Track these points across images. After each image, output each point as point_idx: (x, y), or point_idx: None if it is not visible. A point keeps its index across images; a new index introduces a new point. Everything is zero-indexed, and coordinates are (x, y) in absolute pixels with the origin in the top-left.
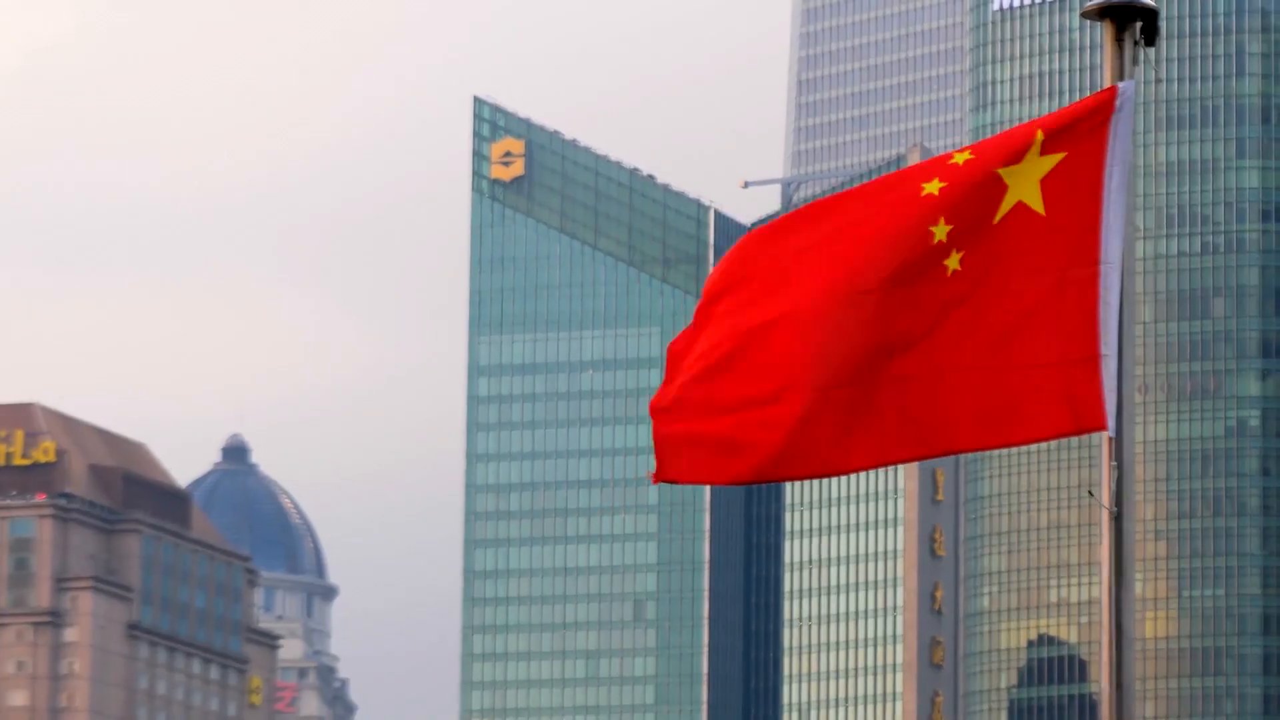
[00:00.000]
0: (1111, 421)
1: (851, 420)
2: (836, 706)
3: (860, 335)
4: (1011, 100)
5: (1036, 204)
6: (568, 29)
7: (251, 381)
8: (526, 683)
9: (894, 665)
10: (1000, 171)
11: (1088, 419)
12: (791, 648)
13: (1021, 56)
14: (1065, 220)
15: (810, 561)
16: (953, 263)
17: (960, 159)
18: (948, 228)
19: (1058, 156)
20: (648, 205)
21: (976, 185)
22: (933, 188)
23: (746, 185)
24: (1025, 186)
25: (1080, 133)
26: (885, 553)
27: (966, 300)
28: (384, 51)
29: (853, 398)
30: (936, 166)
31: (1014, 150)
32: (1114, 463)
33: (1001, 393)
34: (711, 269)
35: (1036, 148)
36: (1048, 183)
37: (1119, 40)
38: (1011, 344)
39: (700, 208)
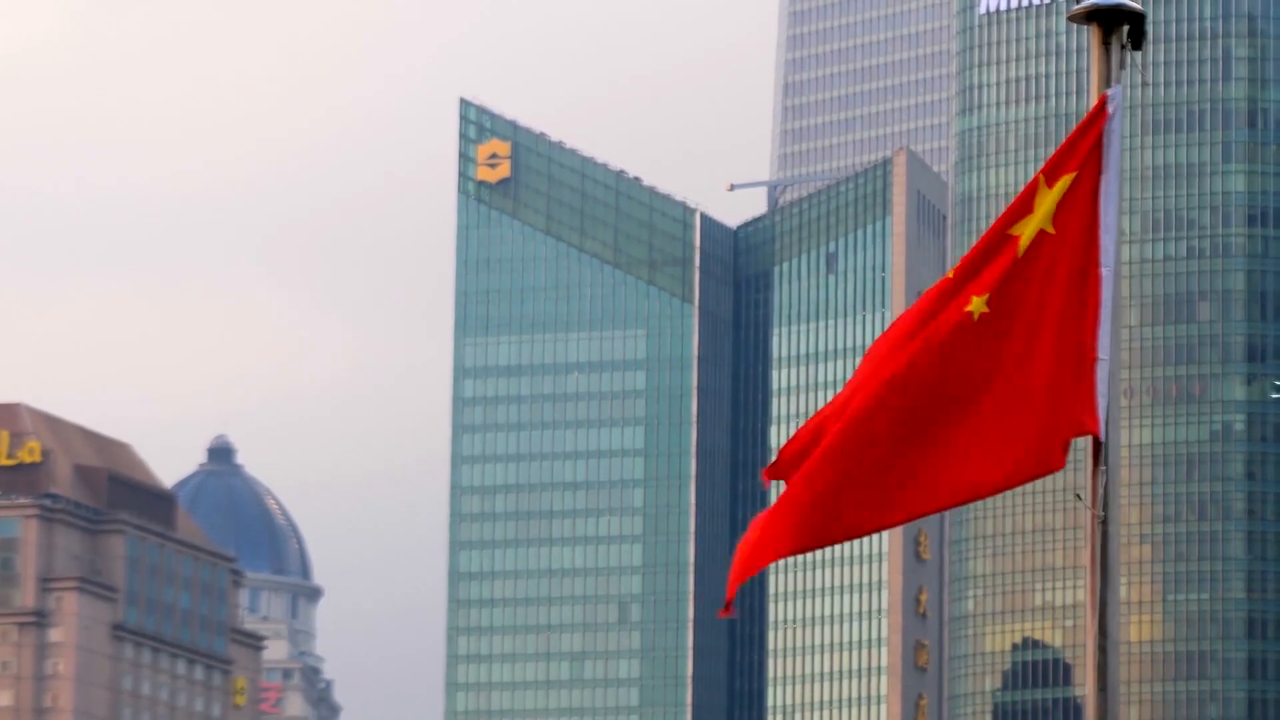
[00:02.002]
0: (1104, 426)
1: (895, 475)
2: (821, 709)
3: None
4: (998, 104)
5: (1049, 226)
6: (554, 31)
7: (237, 382)
8: (511, 684)
9: (878, 668)
10: (1012, 230)
11: (1079, 423)
12: (776, 650)
13: (1008, 60)
14: (1070, 230)
15: (795, 564)
16: (978, 307)
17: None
18: (983, 298)
19: (1069, 178)
20: (634, 207)
21: (993, 247)
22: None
23: (733, 188)
24: (1042, 217)
25: (1081, 149)
26: (870, 556)
27: (997, 334)
28: (370, 53)
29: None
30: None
31: (1022, 204)
32: (1103, 467)
33: (1000, 409)
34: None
35: (1042, 186)
36: (1060, 204)
37: (1106, 44)
38: (1017, 356)
39: (686, 210)
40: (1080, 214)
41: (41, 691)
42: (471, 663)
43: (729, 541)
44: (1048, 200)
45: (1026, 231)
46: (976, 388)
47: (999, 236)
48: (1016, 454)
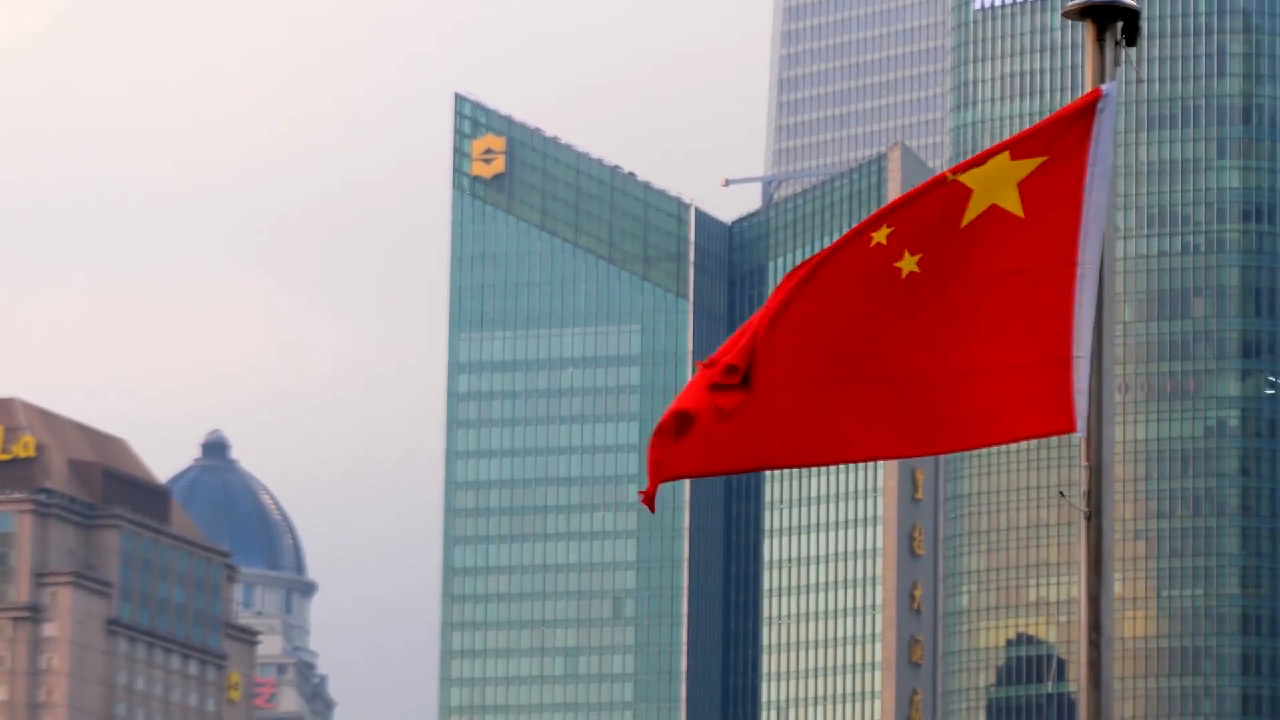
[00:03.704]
0: (1081, 424)
1: (829, 415)
2: (815, 704)
3: (826, 338)
4: (992, 99)
5: (1014, 207)
6: (549, 26)
7: (232, 378)
8: (505, 680)
9: (873, 664)
10: (960, 177)
11: (1056, 421)
12: (770, 646)
13: (1003, 56)
14: (1045, 222)
15: (789, 560)
16: (908, 264)
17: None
18: (888, 230)
19: (1037, 160)
20: (628, 203)
21: (926, 190)
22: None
23: (728, 183)
24: (999, 191)
25: (1061, 135)
26: (864, 551)
27: (933, 302)
28: (365, 48)
29: (830, 394)
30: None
31: (975, 159)
32: (1085, 463)
33: (974, 394)
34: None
35: (1005, 155)
36: (1026, 185)
37: (1100, 40)
38: (985, 345)
39: (681, 206)
40: (1061, 209)
41: (36, 686)
42: (466, 658)
43: (723, 536)
44: (1008, 174)
45: (974, 196)
46: (890, 349)
47: (938, 179)
48: (917, 426)
